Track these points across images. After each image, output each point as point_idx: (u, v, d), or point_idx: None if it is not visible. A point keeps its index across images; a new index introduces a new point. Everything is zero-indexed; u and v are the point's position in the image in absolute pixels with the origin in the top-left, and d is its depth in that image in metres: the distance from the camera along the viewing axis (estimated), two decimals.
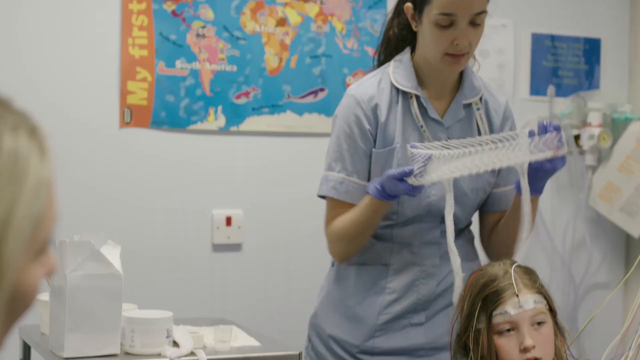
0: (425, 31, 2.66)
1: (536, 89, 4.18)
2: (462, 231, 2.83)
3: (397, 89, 2.74)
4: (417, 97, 2.73)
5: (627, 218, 4.17)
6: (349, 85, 3.83)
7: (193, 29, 3.64)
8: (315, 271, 3.73)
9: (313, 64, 3.80)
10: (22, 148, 1.00)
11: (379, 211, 2.66)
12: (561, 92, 4.20)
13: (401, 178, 2.52)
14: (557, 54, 4.22)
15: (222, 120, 3.69)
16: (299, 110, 3.79)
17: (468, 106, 2.79)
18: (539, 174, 2.61)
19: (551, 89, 4.16)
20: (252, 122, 3.74)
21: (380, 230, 2.76)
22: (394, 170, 2.54)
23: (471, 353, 2.50)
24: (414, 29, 2.70)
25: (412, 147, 2.53)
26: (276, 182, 3.79)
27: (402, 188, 2.53)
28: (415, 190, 2.54)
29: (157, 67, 3.58)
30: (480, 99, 2.80)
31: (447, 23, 2.61)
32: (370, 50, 3.86)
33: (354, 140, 2.72)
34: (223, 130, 3.71)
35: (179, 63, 3.62)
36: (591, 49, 4.29)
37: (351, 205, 2.73)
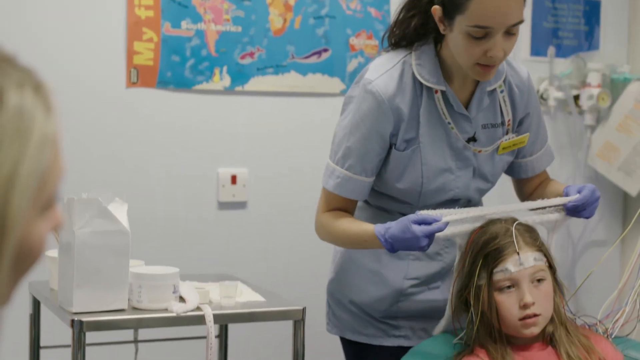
0: (456, 39, 2.47)
1: (537, 50, 4.16)
2: (478, 202, 2.82)
3: (421, 83, 2.58)
4: (443, 92, 2.58)
5: (625, 177, 4.17)
6: (352, 46, 3.81)
7: None
8: None
9: (317, 25, 3.78)
10: (27, 104, 1.00)
11: (371, 245, 2.55)
12: (561, 52, 4.18)
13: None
14: (557, 15, 4.20)
15: (227, 81, 3.68)
16: (303, 70, 3.78)
17: (492, 91, 2.66)
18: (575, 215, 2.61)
19: (551, 50, 4.14)
20: (256, 82, 3.73)
21: (400, 207, 2.70)
22: (412, 215, 2.41)
23: (471, 308, 2.51)
24: (442, 32, 2.50)
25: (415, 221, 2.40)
26: (280, 141, 3.78)
27: (416, 234, 2.38)
28: (426, 240, 2.40)
29: (163, 27, 3.57)
30: (505, 80, 2.67)
31: (481, 35, 2.42)
32: (373, 11, 3.84)
33: (368, 140, 2.57)
34: (228, 90, 3.70)
35: (184, 24, 3.60)
36: (591, 10, 4.26)
37: (352, 201, 2.66)
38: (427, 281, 2.74)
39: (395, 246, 2.44)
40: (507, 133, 2.70)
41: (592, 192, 2.57)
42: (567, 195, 2.59)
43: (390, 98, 2.54)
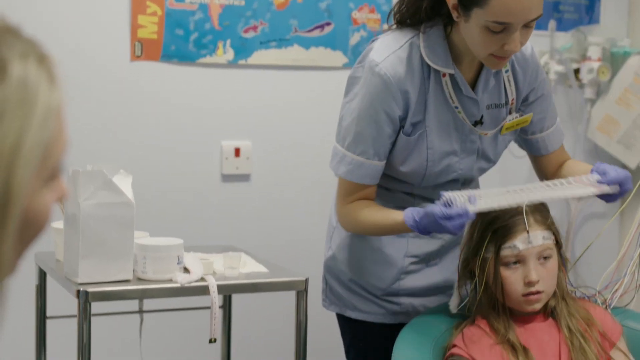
0: (472, 30, 2.40)
1: (537, 24, 4.09)
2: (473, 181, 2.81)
3: (429, 66, 2.51)
4: (451, 75, 2.52)
5: (624, 150, 4.16)
6: (355, 20, 3.80)
7: None
8: (320, 200, 3.74)
9: None
10: (31, 75, 0.99)
11: (403, 232, 2.54)
12: (562, 26, 4.17)
13: (447, 217, 2.34)
14: None
15: (230, 54, 3.67)
16: (306, 44, 3.76)
17: (497, 71, 2.60)
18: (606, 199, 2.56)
19: (552, 24, 4.12)
20: (259, 56, 3.71)
21: (401, 186, 2.68)
22: (439, 210, 2.34)
23: (476, 278, 2.51)
24: (455, 19, 2.41)
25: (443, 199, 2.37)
26: (283, 114, 3.78)
27: (447, 227, 2.35)
28: (458, 230, 2.37)
29: (166, 1, 3.55)
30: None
31: (499, 30, 2.35)
32: None
33: (379, 124, 2.50)
34: (231, 64, 3.69)
35: None
36: None
37: (367, 186, 2.60)
38: (426, 259, 2.71)
39: (430, 232, 2.43)
40: (510, 113, 2.66)
41: (627, 182, 2.52)
42: (603, 173, 2.52)
43: (398, 80, 2.48)
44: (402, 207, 2.56)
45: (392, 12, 2.58)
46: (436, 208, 2.35)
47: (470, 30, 2.39)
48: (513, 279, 2.44)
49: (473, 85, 2.58)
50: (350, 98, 2.57)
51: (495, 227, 2.45)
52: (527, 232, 2.43)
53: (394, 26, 2.58)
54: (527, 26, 2.38)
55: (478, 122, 2.59)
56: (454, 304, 2.58)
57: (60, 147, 1.04)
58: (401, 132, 2.54)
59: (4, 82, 0.97)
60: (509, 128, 2.66)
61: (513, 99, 2.65)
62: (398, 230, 2.53)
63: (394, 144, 2.56)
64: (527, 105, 2.69)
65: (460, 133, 2.60)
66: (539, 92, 2.71)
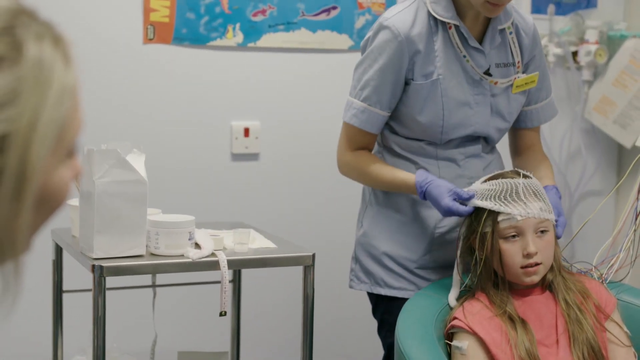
0: None
1: (537, 8, 4.12)
2: (494, 148, 2.83)
3: (436, 19, 2.62)
4: (457, 27, 2.62)
5: (620, 130, 4.15)
6: (360, 3, 3.78)
7: None
8: (326, 177, 3.74)
9: None
10: (47, 56, 0.98)
11: (409, 192, 2.66)
12: (561, 10, 4.15)
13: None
14: None
15: (240, 37, 3.66)
16: (313, 27, 3.75)
17: (502, 31, 2.70)
18: None
19: (551, 8, 4.10)
20: (268, 39, 3.70)
21: (424, 148, 2.72)
22: (445, 204, 2.50)
23: (476, 253, 2.51)
24: None
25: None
26: (291, 95, 3.77)
27: (442, 214, 2.55)
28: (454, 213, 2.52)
29: None
30: (512, 22, 2.72)
31: None
32: None
33: (384, 72, 2.61)
34: (241, 46, 3.67)
35: None
36: None
37: (369, 134, 2.70)
38: (454, 227, 2.71)
39: (426, 197, 2.56)
40: (517, 73, 2.74)
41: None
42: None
43: (405, 32, 2.58)
44: (430, 170, 2.70)
45: None
46: (444, 200, 2.50)
47: None
48: (512, 251, 2.44)
49: (480, 40, 2.68)
50: (364, 55, 2.67)
51: (494, 197, 2.45)
52: (525, 202, 2.43)
53: None
54: None
55: (487, 73, 2.68)
56: (452, 298, 2.57)
57: (76, 126, 1.04)
58: (412, 81, 2.63)
59: (20, 63, 0.96)
60: (519, 86, 2.74)
61: (519, 61, 2.74)
62: (401, 189, 2.66)
63: (405, 96, 2.65)
64: (529, 72, 2.78)
65: (471, 83, 2.67)
66: (538, 62, 2.80)
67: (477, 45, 2.65)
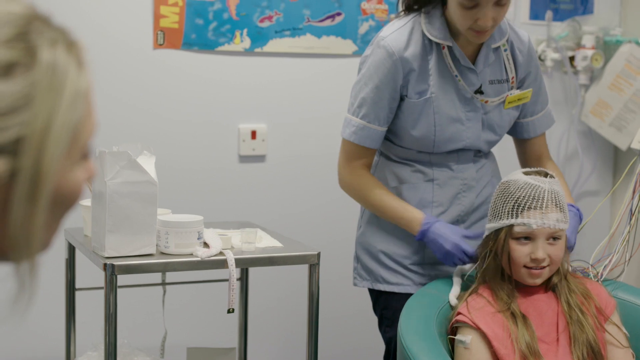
0: (452, 6, 2.53)
1: (535, 14, 4.12)
2: (488, 153, 2.83)
3: (430, 40, 2.61)
4: (450, 47, 2.61)
5: (616, 132, 4.14)
6: (364, 10, 3.78)
7: None
8: (330, 178, 3.72)
9: None
10: (60, 61, 0.98)
11: (408, 228, 2.69)
12: (558, 16, 4.14)
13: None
14: None
15: (247, 42, 3.65)
16: (318, 33, 3.75)
17: (496, 49, 2.69)
18: None
19: (549, 14, 4.10)
20: (274, 44, 3.70)
21: (418, 155, 2.72)
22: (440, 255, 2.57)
23: (487, 247, 2.49)
24: None
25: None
26: (297, 98, 3.76)
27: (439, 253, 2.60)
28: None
29: None
30: (507, 39, 2.70)
31: (470, 5, 2.47)
32: None
33: (381, 90, 2.61)
34: (248, 52, 3.67)
35: None
36: None
37: (369, 149, 2.69)
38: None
39: (425, 240, 2.63)
40: (511, 89, 2.72)
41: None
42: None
43: (400, 51, 2.58)
44: (421, 180, 2.71)
45: (399, 1, 2.69)
46: (452, 237, 2.58)
47: (451, 6, 2.52)
48: (520, 251, 2.43)
49: (474, 58, 2.66)
50: (360, 73, 2.68)
51: (512, 203, 2.43)
52: (542, 212, 2.41)
53: (402, 13, 2.68)
54: (498, 4, 2.47)
55: (478, 91, 2.66)
56: (453, 296, 2.55)
57: (89, 128, 1.04)
58: (406, 98, 2.62)
59: (34, 67, 0.96)
60: (511, 102, 2.72)
61: (513, 77, 2.72)
62: (405, 224, 2.67)
63: (400, 111, 2.65)
64: (524, 87, 2.75)
65: (463, 103, 2.66)
66: (533, 77, 2.78)
67: (469, 64, 2.64)
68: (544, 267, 2.43)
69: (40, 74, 0.96)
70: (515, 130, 2.85)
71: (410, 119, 2.64)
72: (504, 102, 2.70)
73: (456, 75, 2.63)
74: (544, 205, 2.41)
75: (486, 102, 2.68)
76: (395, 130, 2.70)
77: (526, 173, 2.50)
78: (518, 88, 2.74)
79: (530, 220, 2.40)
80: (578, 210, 2.69)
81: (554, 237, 2.43)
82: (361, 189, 2.71)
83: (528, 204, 2.41)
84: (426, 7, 2.62)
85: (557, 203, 2.43)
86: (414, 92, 2.62)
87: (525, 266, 2.44)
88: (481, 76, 2.66)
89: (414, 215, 2.64)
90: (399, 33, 2.61)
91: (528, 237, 2.43)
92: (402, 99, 2.63)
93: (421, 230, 2.60)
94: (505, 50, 2.69)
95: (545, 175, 2.48)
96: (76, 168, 1.03)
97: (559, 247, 2.44)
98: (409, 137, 2.67)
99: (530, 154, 2.86)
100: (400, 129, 2.68)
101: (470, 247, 2.58)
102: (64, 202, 1.03)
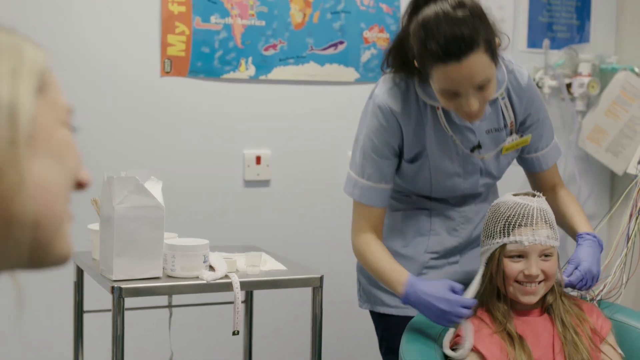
0: (433, 88, 2.37)
1: (533, 42, 4.12)
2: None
3: (425, 102, 2.49)
4: (444, 108, 2.46)
5: (612, 157, 4.14)
6: (365, 38, 3.78)
7: None
8: (333, 203, 3.73)
9: (333, 19, 3.75)
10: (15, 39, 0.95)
11: (393, 289, 2.52)
12: (555, 44, 4.15)
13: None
14: (552, 10, 4.16)
15: (252, 70, 3.66)
16: (321, 61, 3.75)
17: (494, 100, 2.54)
18: None
19: (546, 42, 4.10)
20: (279, 72, 3.70)
21: (417, 196, 2.67)
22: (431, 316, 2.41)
23: (483, 268, 2.48)
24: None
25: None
26: (300, 124, 3.77)
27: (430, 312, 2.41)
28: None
29: (194, 22, 3.54)
30: (505, 88, 2.56)
31: (451, 95, 2.32)
32: (385, 7, 3.81)
33: (382, 151, 2.50)
34: (253, 79, 3.68)
35: (213, 18, 3.58)
36: (582, 6, 4.22)
37: (377, 209, 2.58)
38: (446, 255, 2.69)
39: (411, 301, 2.43)
40: (510, 134, 2.61)
41: (582, 276, 2.48)
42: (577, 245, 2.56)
43: (396, 112, 2.47)
44: (419, 208, 2.64)
45: (385, 61, 2.52)
46: (431, 314, 2.38)
47: (435, 90, 2.37)
48: (513, 268, 2.42)
49: None
50: (361, 129, 2.57)
51: (504, 222, 2.43)
52: (533, 229, 2.41)
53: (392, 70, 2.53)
54: (481, 88, 2.30)
55: (476, 147, 2.56)
56: (468, 293, 2.50)
57: (56, 82, 0.99)
58: (402, 159, 2.54)
59: None
60: (509, 149, 2.62)
61: (512, 122, 2.60)
62: (390, 285, 2.51)
63: (398, 168, 2.57)
64: (525, 129, 2.65)
65: (461, 159, 2.57)
66: (535, 117, 2.65)
67: (465, 123, 2.50)
68: (539, 284, 2.42)
69: (1, 36, 0.94)
70: (525, 164, 2.75)
71: (407, 176, 2.58)
72: (501, 149, 2.61)
73: (451, 136, 2.52)
74: (534, 222, 2.41)
75: (483, 158, 2.58)
76: (395, 182, 2.63)
77: (515, 195, 2.50)
78: (518, 130, 2.65)
79: (522, 237, 2.40)
80: (595, 237, 2.58)
81: (545, 255, 2.42)
82: (363, 251, 2.59)
83: (518, 221, 2.41)
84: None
85: (547, 220, 2.43)
86: (410, 152, 2.53)
87: (517, 281, 2.42)
88: (478, 130, 2.54)
89: (397, 277, 2.48)
90: (393, 93, 2.49)
91: (521, 255, 2.42)
92: (399, 157, 2.55)
93: (405, 291, 2.44)
94: (502, 98, 2.56)
95: (533, 195, 2.48)
96: (62, 128, 0.96)
97: (552, 263, 2.44)
98: (405, 187, 2.64)
99: (543, 185, 2.74)
100: (398, 182, 2.63)
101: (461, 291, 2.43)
102: (56, 155, 0.95)
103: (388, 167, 2.54)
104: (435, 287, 2.38)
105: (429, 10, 2.27)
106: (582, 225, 2.66)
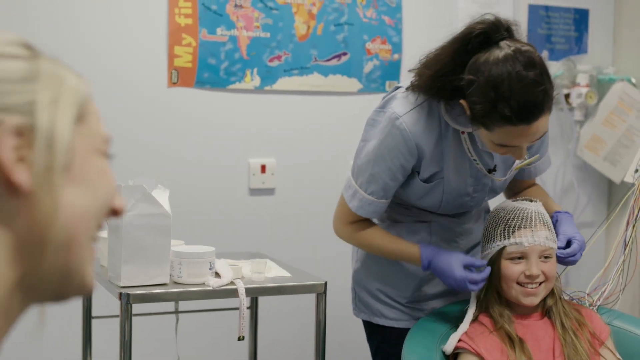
0: (481, 137, 2.29)
1: None
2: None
3: (447, 122, 2.37)
4: (470, 133, 2.38)
5: (610, 166, 4.13)
6: (368, 50, 3.78)
7: (232, 0, 3.59)
8: None
9: (337, 31, 3.75)
10: (59, 67, 0.96)
11: (413, 262, 2.54)
12: (554, 56, 4.14)
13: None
14: (550, 22, 4.16)
15: (257, 81, 3.66)
16: (325, 72, 3.75)
17: None
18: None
19: (545, 54, 4.10)
20: (283, 83, 3.70)
21: (421, 208, 2.62)
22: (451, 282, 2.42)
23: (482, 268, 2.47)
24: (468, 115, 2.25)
25: None
26: (304, 134, 3.76)
27: (458, 281, 2.41)
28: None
29: (200, 33, 3.54)
30: None
31: (507, 146, 2.24)
32: (387, 19, 3.81)
33: (393, 172, 2.41)
34: (258, 90, 3.67)
35: (219, 30, 3.57)
36: (580, 18, 4.22)
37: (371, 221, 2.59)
38: None
39: (432, 269, 2.47)
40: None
41: (580, 247, 2.49)
42: (555, 221, 2.53)
43: (416, 136, 2.35)
44: (420, 221, 2.61)
45: (416, 84, 2.37)
46: (456, 272, 2.41)
47: (480, 136, 2.31)
48: (514, 269, 2.42)
49: None
50: (368, 139, 2.47)
51: (503, 226, 2.43)
52: (532, 230, 2.41)
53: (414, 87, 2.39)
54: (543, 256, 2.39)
55: (492, 170, 2.51)
56: (449, 349, 2.48)
57: (97, 113, 1.00)
58: (417, 177, 2.46)
59: (37, 60, 0.94)
60: (518, 168, 2.59)
61: None
62: (407, 260, 2.55)
63: (407, 184, 2.49)
64: (531, 145, 2.60)
65: (475, 179, 2.52)
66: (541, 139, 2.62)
67: (485, 148, 2.41)
68: (539, 285, 2.42)
69: (44, 64, 0.94)
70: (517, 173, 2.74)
71: (416, 194, 2.51)
72: (511, 169, 2.57)
73: (475, 160, 2.43)
74: (532, 224, 2.42)
75: (499, 180, 2.54)
76: (399, 195, 2.57)
77: (513, 200, 2.52)
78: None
79: (522, 239, 2.41)
80: (568, 213, 2.60)
81: (545, 256, 2.43)
82: (359, 238, 2.59)
83: (518, 224, 2.42)
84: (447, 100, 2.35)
85: (545, 222, 2.45)
86: (426, 173, 2.44)
87: (518, 283, 2.42)
88: (495, 154, 2.47)
89: (413, 250, 2.50)
90: (416, 113, 2.35)
91: (521, 257, 2.42)
92: (411, 175, 2.47)
93: (424, 266, 2.49)
94: None
95: (530, 200, 2.50)
96: (98, 156, 0.99)
97: (551, 264, 2.45)
98: (412, 203, 2.59)
99: (522, 186, 2.74)
100: (403, 197, 2.57)
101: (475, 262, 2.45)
102: (90, 183, 0.96)
103: (394, 187, 2.47)
104: (448, 263, 2.43)
105: (498, 69, 2.16)
106: (554, 205, 2.66)
